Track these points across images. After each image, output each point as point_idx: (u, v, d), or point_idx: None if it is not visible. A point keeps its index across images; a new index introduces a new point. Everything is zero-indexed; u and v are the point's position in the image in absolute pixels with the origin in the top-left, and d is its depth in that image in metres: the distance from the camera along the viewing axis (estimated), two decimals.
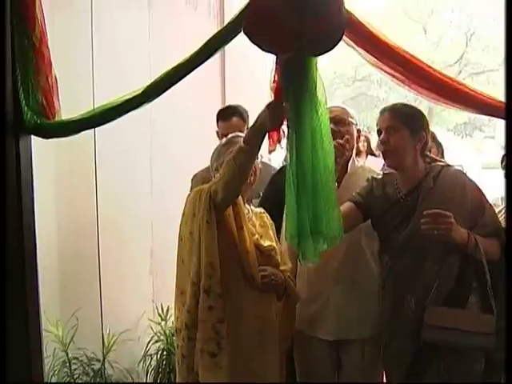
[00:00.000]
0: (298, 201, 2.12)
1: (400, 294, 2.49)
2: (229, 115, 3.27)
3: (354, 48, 2.17)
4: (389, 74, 2.21)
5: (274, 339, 2.50)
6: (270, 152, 3.61)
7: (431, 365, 2.40)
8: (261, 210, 2.72)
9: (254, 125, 2.26)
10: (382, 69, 2.23)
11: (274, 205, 2.72)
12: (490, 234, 2.38)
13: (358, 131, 2.89)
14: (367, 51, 2.17)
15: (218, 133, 3.33)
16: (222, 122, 3.29)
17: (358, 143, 2.95)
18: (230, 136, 2.64)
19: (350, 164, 2.83)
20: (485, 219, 2.40)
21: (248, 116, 3.26)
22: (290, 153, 2.12)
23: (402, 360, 2.48)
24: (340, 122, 2.75)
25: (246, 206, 2.61)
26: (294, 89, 2.08)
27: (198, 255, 2.36)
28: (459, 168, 2.65)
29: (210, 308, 2.33)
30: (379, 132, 2.51)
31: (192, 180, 3.27)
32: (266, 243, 2.52)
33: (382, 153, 2.53)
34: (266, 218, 2.68)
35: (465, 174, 2.56)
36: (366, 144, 8.80)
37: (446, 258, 2.38)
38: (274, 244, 2.57)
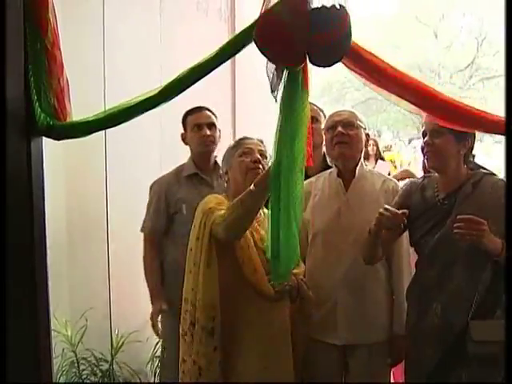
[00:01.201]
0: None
1: (426, 299, 2.48)
2: (200, 109, 3.21)
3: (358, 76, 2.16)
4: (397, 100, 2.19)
5: (288, 345, 2.52)
6: None
7: (453, 373, 2.39)
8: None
9: (266, 171, 2.26)
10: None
11: None
12: None
13: (367, 135, 2.87)
14: (372, 80, 2.16)
15: (183, 135, 3.27)
16: (194, 114, 3.21)
17: (366, 147, 2.93)
18: (238, 138, 2.65)
19: (358, 168, 2.82)
20: None
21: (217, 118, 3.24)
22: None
23: (424, 367, 2.47)
24: (349, 125, 2.75)
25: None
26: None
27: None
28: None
29: (216, 348, 2.38)
30: (424, 134, 2.50)
31: (151, 187, 3.21)
32: None
33: (425, 154, 2.51)
34: None
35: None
36: (375, 148, 8.82)
37: (477, 266, 2.36)
38: None
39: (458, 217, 2.27)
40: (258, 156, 2.54)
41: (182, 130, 3.23)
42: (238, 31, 4.32)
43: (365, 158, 9.54)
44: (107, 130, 3.17)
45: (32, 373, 2.42)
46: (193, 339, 2.42)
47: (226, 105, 4.72)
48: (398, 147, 14.55)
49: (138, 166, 3.33)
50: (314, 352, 2.79)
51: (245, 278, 2.44)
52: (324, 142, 2.90)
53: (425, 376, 2.46)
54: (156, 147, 3.15)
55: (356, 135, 2.77)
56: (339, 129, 2.74)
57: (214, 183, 3.18)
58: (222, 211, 2.39)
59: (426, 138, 2.47)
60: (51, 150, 2.37)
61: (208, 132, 3.14)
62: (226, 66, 4.08)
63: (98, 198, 3.25)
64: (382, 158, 8.88)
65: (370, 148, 8.80)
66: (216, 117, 3.22)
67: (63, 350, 2.98)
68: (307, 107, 2.02)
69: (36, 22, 2.20)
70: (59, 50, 2.27)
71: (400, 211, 2.40)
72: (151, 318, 3.06)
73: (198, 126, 3.15)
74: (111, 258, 3.25)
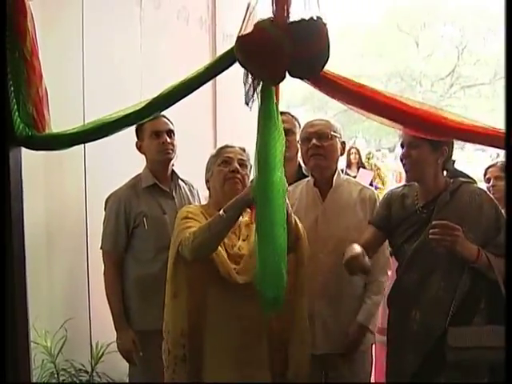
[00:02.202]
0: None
1: (406, 306, 2.51)
2: (157, 116, 2.95)
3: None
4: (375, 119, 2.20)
5: (261, 339, 2.48)
6: None
7: (433, 379, 2.41)
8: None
9: (239, 196, 2.27)
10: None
11: None
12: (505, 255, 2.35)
13: (343, 144, 2.86)
14: (343, 101, 2.16)
15: (138, 144, 3.10)
16: (152, 121, 2.94)
17: (343, 155, 2.93)
18: (219, 147, 2.63)
19: (335, 178, 2.83)
20: (499, 239, 2.37)
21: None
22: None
23: (404, 373, 2.49)
24: (323, 136, 2.75)
25: None
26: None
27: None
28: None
29: (189, 372, 2.39)
30: (402, 145, 2.51)
31: (106, 201, 3.05)
32: (247, 248, 2.49)
33: (403, 166, 2.53)
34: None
35: (486, 192, 2.55)
36: (357, 156, 8.87)
37: (455, 274, 2.39)
38: None
39: (434, 223, 2.31)
40: (237, 166, 2.51)
41: None
42: (218, 40, 4.37)
43: (347, 166, 9.61)
44: None
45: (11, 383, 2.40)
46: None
47: (207, 108, 4.72)
48: (381, 155, 14.64)
49: (118, 167, 3.29)
50: None
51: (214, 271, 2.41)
52: (300, 153, 2.90)
53: (406, 381, 2.48)
54: (137, 153, 3.12)
55: (331, 146, 2.76)
56: (314, 141, 2.74)
57: (174, 194, 3.08)
58: (192, 229, 2.38)
59: (403, 150, 2.49)
60: (30, 154, 2.36)
61: (168, 139, 3.01)
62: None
63: (78, 207, 3.23)
64: (364, 167, 8.93)
65: (352, 156, 8.88)
66: (172, 124, 3.10)
67: (43, 361, 2.95)
68: (280, 122, 2.02)
69: (15, 32, 2.20)
70: (38, 59, 2.26)
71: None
72: (123, 347, 2.94)
73: (156, 133, 3.00)
74: (91, 267, 3.23)
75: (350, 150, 8.93)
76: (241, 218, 2.55)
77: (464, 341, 2.31)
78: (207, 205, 2.62)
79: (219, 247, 2.39)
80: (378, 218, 2.66)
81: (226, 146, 2.59)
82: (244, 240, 2.52)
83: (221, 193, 2.52)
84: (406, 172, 2.53)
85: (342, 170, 8.42)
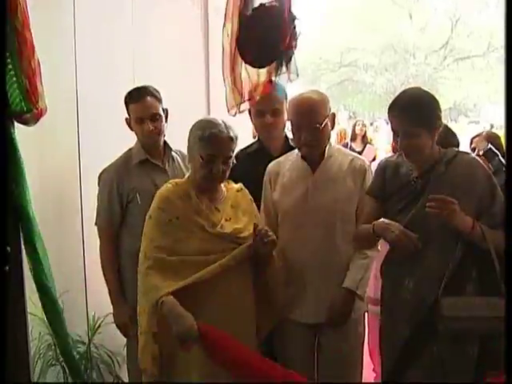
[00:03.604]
0: None
1: (399, 275, 2.53)
2: (141, 96, 2.97)
3: None
4: None
5: (244, 315, 2.51)
6: None
7: (425, 347, 2.44)
8: (239, 186, 2.68)
9: (183, 328, 2.25)
10: None
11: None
12: (499, 225, 2.33)
13: (333, 116, 2.78)
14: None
15: (127, 120, 3.06)
16: (135, 104, 2.98)
17: (354, 128, 2.90)
18: (207, 127, 2.46)
19: (326, 149, 2.80)
20: (494, 209, 2.39)
21: (161, 96, 3.06)
22: None
23: (397, 341, 2.52)
24: (315, 124, 2.67)
25: (222, 185, 2.60)
26: None
27: None
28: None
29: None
30: (394, 131, 2.47)
31: (99, 177, 3.06)
32: (230, 227, 2.50)
33: (403, 152, 2.50)
34: (242, 195, 2.65)
35: (480, 161, 2.54)
36: (364, 129, 8.88)
37: (448, 244, 2.41)
38: (243, 225, 2.54)
39: (430, 196, 2.32)
40: (220, 167, 2.45)
41: None
42: (210, 15, 4.33)
43: (351, 139, 9.66)
44: (79, 105, 3.15)
45: (9, 355, 2.42)
46: None
47: (199, 73, 4.69)
48: (373, 128, 14.64)
49: (113, 145, 3.29)
50: (285, 330, 2.82)
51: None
52: (290, 128, 2.83)
53: (398, 349, 2.51)
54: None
55: (323, 131, 2.70)
56: (305, 135, 2.69)
57: (167, 167, 3.08)
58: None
59: (400, 139, 2.43)
60: (24, 131, 2.36)
61: (151, 126, 2.96)
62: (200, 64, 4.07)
63: (71, 178, 3.22)
64: (369, 142, 8.98)
65: (358, 128, 8.86)
66: (159, 98, 3.03)
67: (40, 333, 2.96)
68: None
69: (5, 2, 2.18)
70: (29, 31, 2.25)
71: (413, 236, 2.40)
72: (119, 322, 3.00)
73: (140, 119, 2.97)
74: (86, 241, 3.24)
75: (355, 123, 8.94)
76: (224, 194, 2.58)
77: (455, 310, 2.33)
78: (186, 182, 2.57)
79: (196, 227, 2.44)
80: (374, 187, 2.67)
81: (215, 136, 2.43)
82: (227, 220, 2.52)
83: (200, 182, 2.50)
84: (406, 156, 2.50)
85: (347, 144, 8.46)
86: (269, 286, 2.63)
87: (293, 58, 3.15)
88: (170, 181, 2.60)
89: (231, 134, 2.46)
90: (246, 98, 3.18)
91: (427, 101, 2.45)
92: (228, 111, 3.24)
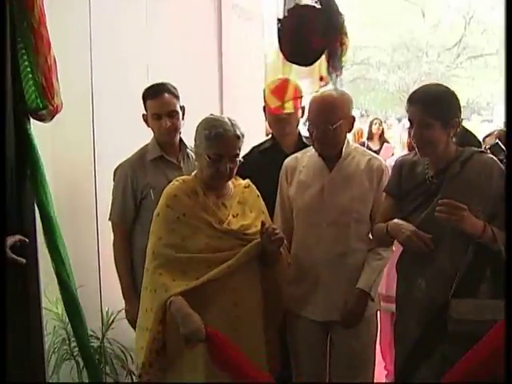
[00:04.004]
0: None
1: (412, 274, 2.53)
2: (159, 92, 2.99)
3: None
4: None
5: (252, 312, 2.52)
6: None
7: (437, 347, 2.43)
8: (246, 182, 2.68)
9: (190, 329, 2.25)
10: None
11: None
12: None
13: (353, 118, 2.78)
14: None
15: (144, 117, 3.08)
16: (152, 100, 3.00)
17: (370, 127, 2.88)
18: (212, 125, 2.47)
19: (343, 148, 2.79)
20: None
21: (178, 93, 3.07)
22: None
23: (409, 339, 2.52)
24: (330, 123, 2.66)
25: (229, 182, 2.59)
26: None
27: None
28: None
29: None
30: (410, 121, 2.47)
31: (115, 172, 3.08)
32: (238, 224, 2.51)
33: (415, 144, 2.47)
34: (250, 191, 2.65)
35: (497, 162, 2.48)
36: (381, 128, 8.80)
37: (460, 244, 2.39)
38: (250, 221, 2.55)
39: (440, 201, 2.30)
40: (227, 166, 2.45)
41: None
42: (225, 10, 4.33)
43: (368, 138, 9.56)
44: (94, 106, 3.17)
45: (24, 349, 2.45)
46: None
47: (212, 70, 4.69)
48: (386, 126, 14.58)
49: (127, 141, 3.31)
50: (297, 327, 2.83)
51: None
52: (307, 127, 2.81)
53: (410, 347, 2.51)
54: (144, 124, 3.13)
55: (336, 131, 2.68)
56: (316, 132, 2.70)
57: (182, 164, 3.09)
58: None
59: (413, 129, 2.44)
60: (40, 127, 2.38)
61: (168, 122, 2.97)
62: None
63: (86, 174, 3.25)
64: (387, 141, 8.91)
65: (374, 127, 8.80)
66: (177, 95, 3.04)
67: (54, 327, 2.99)
68: None
69: (22, 2, 2.21)
70: (46, 28, 2.28)
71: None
72: (131, 317, 2.94)
73: (156, 115, 2.99)
74: (100, 236, 3.26)
75: (372, 122, 8.89)
76: (232, 191, 2.59)
77: (465, 313, 2.33)
78: (194, 179, 2.58)
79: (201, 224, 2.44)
80: (390, 185, 2.66)
81: (221, 136, 2.43)
82: (234, 216, 2.52)
83: (208, 180, 2.51)
84: (418, 149, 2.49)
85: (364, 143, 8.36)
86: (277, 283, 2.64)
87: (338, 55, 3.17)
88: (177, 178, 2.61)
89: (237, 132, 2.45)
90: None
91: (447, 95, 2.45)
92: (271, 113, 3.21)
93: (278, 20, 3.20)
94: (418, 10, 20.61)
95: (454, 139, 2.50)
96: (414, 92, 2.50)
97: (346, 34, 3.17)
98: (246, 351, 2.29)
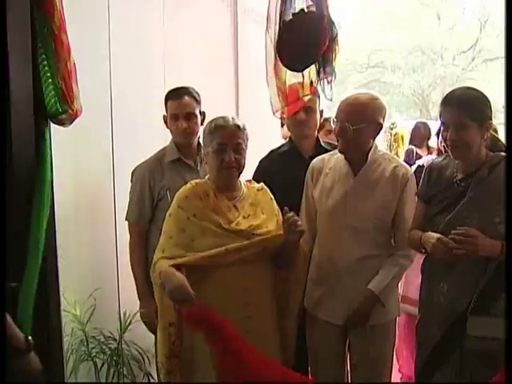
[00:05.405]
0: None
1: (436, 277, 2.53)
2: (180, 94, 3.08)
3: None
4: None
5: (264, 311, 2.54)
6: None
7: (454, 352, 2.44)
8: (260, 185, 2.71)
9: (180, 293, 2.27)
10: None
11: None
12: None
13: (379, 125, 2.78)
14: None
15: (165, 118, 3.16)
16: (173, 101, 3.08)
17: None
18: (214, 123, 2.55)
19: (370, 153, 2.78)
20: None
21: (200, 98, 3.14)
22: None
23: (428, 342, 2.53)
24: (355, 124, 2.68)
25: (243, 184, 2.63)
26: None
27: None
28: None
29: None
30: (444, 124, 2.46)
31: (133, 174, 3.14)
32: (246, 224, 2.52)
33: (450, 146, 2.46)
34: (263, 193, 2.67)
35: None
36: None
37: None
38: (260, 221, 2.55)
39: (453, 231, 2.31)
40: (231, 155, 2.48)
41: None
42: (239, 15, 4.37)
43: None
44: (113, 105, 3.21)
45: (44, 350, 2.48)
46: None
47: (229, 76, 4.73)
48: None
49: (146, 143, 3.35)
50: (316, 328, 2.86)
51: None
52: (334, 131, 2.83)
53: (429, 349, 2.52)
54: (163, 125, 3.16)
55: (357, 134, 2.68)
56: (338, 129, 2.72)
57: (199, 167, 3.13)
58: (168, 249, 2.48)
59: (449, 132, 2.43)
60: (60, 131, 2.41)
61: (184, 124, 3.04)
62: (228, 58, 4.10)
63: (105, 177, 3.28)
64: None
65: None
66: (198, 99, 3.11)
67: (72, 329, 3.02)
68: None
69: (43, 8, 2.24)
70: (66, 34, 2.31)
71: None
72: (147, 318, 3.04)
73: (174, 115, 3.07)
74: (119, 238, 3.29)
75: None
76: (244, 193, 2.61)
77: (481, 330, 2.34)
78: (206, 182, 2.63)
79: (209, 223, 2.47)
80: (421, 190, 2.66)
81: (221, 126, 2.51)
82: (245, 217, 2.54)
83: (217, 177, 2.55)
84: (452, 152, 2.47)
85: (412, 151, 8.10)
86: (289, 282, 2.65)
87: (330, 61, 3.21)
88: (191, 181, 2.65)
89: (237, 123, 2.52)
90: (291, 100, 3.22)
91: (481, 98, 2.46)
92: (273, 114, 3.29)
93: (283, 22, 3.20)
94: (433, 13, 20.51)
95: (486, 142, 2.49)
96: (450, 94, 2.50)
97: (337, 40, 3.23)
98: (258, 347, 2.28)
